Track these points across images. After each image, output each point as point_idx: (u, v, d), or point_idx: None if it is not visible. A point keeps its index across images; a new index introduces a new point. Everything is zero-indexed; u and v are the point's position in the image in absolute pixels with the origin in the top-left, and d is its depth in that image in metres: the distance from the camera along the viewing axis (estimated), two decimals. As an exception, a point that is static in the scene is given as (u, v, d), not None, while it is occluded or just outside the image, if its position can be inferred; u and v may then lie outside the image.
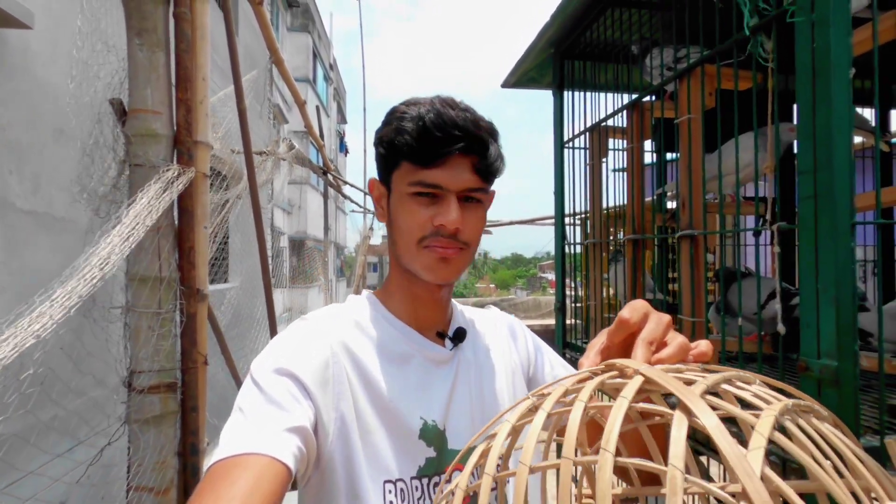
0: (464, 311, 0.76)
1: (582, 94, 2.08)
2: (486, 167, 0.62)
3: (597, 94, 1.98)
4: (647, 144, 2.13)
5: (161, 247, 1.21)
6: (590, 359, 0.45)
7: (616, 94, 1.88)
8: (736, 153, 1.13)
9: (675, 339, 0.45)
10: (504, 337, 0.76)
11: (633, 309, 0.46)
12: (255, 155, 1.69)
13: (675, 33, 1.45)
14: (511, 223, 10.67)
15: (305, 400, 0.54)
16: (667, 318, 0.46)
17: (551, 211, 2.36)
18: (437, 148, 0.59)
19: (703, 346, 0.46)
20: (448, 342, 0.69)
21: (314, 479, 0.57)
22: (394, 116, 0.63)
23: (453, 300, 0.74)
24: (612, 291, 1.97)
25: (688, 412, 0.29)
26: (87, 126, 1.27)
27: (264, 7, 2.05)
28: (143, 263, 1.18)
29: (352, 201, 7.83)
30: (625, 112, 1.79)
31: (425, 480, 0.59)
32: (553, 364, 0.78)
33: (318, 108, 5.78)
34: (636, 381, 0.33)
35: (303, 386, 0.55)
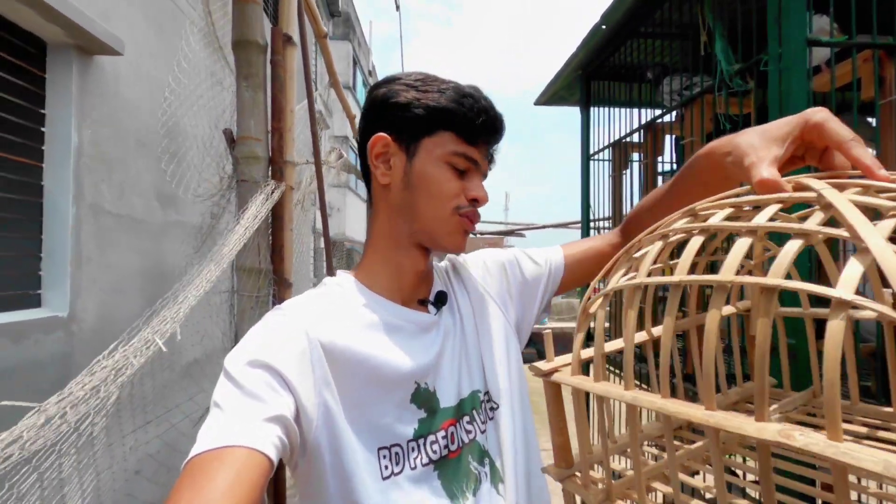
0: (439, 272, 0.77)
1: (606, 109, 2.32)
2: (493, 159, 0.70)
3: (619, 109, 2.21)
4: (667, 154, 2.36)
5: (260, 245, 1.55)
6: (769, 171, 0.41)
7: (637, 110, 2.12)
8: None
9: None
10: (478, 285, 0.77)
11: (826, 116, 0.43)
12: (305, 164, 1.99)
13: (682, 66, 1.69)
14: (545, 227, 10.84)
15: (283, 390, 0.53)
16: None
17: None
18: (486, 132, 0.66)
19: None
20: (431, 307, 0.70)
21: (302, 466, 0.58)
22: (433, 85, 0.65)
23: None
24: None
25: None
26: (199, 149, 1.61)
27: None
28: (247, 257, 1.52)
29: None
30: (642, 130, 2.02)
31: (421, 440, 0.62)
32: (532, 261, 0.81)
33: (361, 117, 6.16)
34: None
35: (280, 376, 0.54)
